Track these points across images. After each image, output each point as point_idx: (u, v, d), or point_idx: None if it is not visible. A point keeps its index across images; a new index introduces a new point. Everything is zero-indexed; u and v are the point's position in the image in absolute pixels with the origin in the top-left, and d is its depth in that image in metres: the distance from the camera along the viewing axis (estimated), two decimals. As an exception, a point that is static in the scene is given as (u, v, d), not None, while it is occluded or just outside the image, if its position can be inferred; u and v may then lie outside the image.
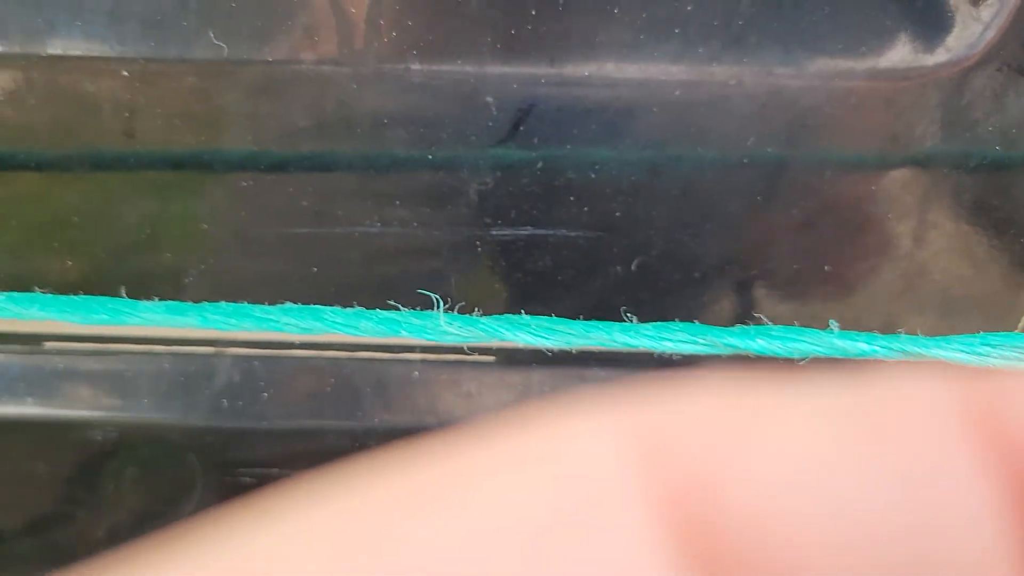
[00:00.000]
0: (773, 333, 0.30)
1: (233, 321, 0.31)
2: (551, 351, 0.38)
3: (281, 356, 0.40)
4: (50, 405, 0.40)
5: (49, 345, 0.40)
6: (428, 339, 0.31)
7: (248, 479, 0.43)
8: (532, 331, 0.31)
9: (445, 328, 0.31)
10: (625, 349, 0.35)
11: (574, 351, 0.39)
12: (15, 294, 0.32)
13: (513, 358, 0.40)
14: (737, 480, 0.09)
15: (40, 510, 0.45)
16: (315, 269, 0.36)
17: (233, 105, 0.32)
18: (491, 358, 0.39)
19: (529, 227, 0.35)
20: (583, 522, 0.09)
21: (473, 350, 0.39)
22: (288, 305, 0.32)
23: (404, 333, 0.31)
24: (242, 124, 0.32)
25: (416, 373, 0.40)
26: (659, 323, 0.31)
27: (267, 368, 0.40)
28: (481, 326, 0.31)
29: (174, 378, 0.40)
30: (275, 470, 0.43)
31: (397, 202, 0.34)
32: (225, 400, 0.40)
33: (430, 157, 0.33)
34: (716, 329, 0.31)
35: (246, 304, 0.32)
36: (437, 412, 0.40)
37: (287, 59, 0.31)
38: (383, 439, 0.41)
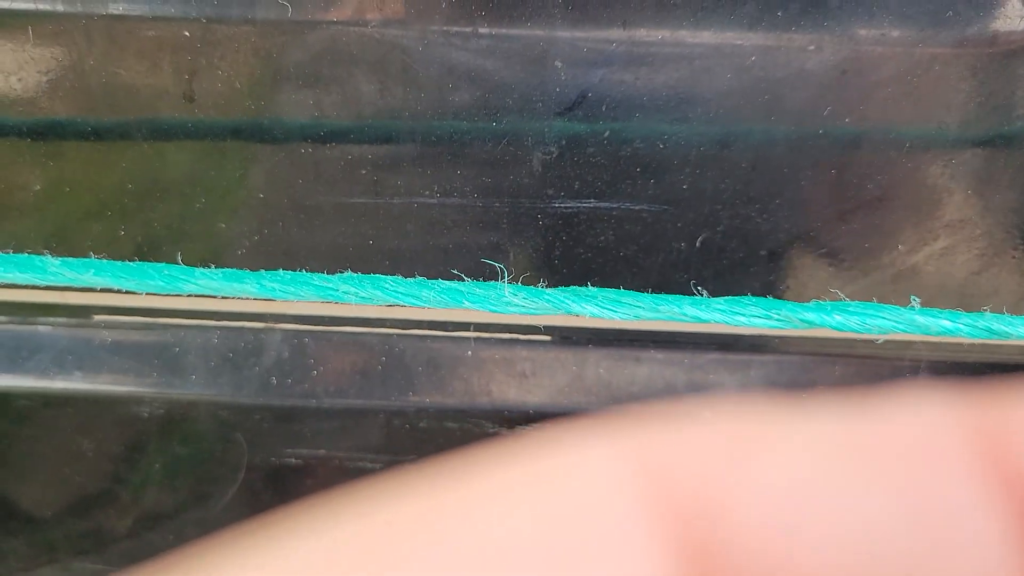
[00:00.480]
0: (851, 309, 0.29)
1: (291, 289, 0.30)
2: (609, 330, 0.37)
3: (331, 333, 0.39)
4: (97, 380, 0.40)
5: (98, 318, 0.39)
6: (491, 310, 0.30)
7: (294, 460, 0.42)
8: (599, 303, 0.30)
9: (509, 299, 0.30)
10: (692, 325, 0.34)
11: (631, 331, 0.38)
12: (70, 259, 0.31)
13: (568, 338, 0.39)
14: (741, 506, 0.09)
15: (82, 488, 0.45)
16: (371, 241, 0.35)
17: (295, 69, 0.31)
18: (546, 337, 0.39)
19: (592, 199, 0.34)
20: (589, 547, 0.09)
21: (528, 328, 0.38)
22: (348, 274, 0.31)
23: (467, 304, 0.30)
24: (303, 89, 0.32)
25: (469, 352, 0.39)
26: (731, 297, 0.30)
27: (317, 345, 0.39)
28: (546, 297, 0.30)
29: (223, 354, 0.39)
30: (321, 451, 0.42)
31: (458, 172, 0.33)
32: (274, 377, 0.39)
33: (494, 125, 0.32)
34: (791, 304, 0.30)
35: (304, 272, 0.31)
36: (490, 392, 0.39)
37: (352, 20, 0.30)
38: (434, 419, 0.40)
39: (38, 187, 0.35)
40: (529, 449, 0.10)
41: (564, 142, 0.32)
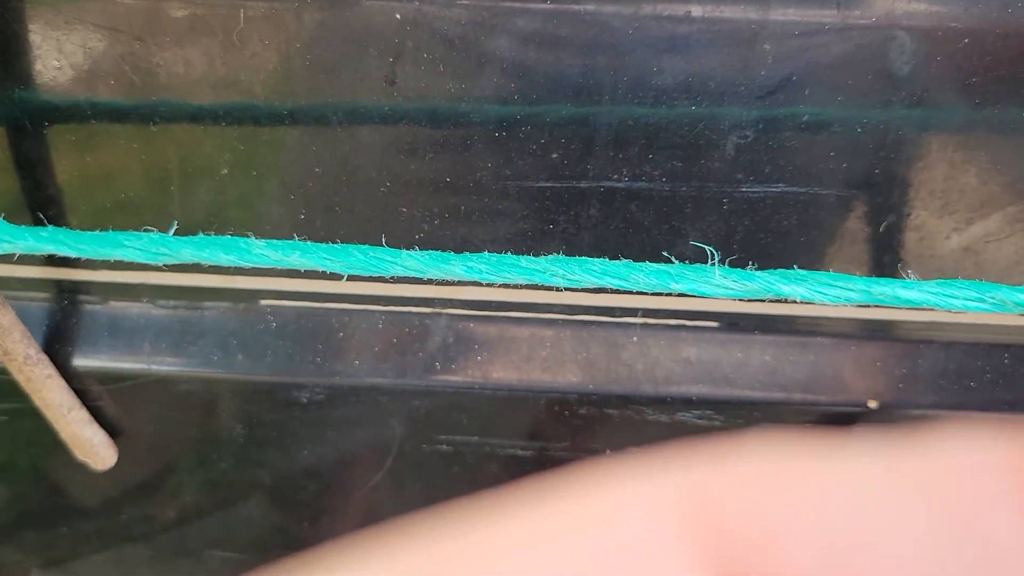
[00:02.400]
0: (1066, 292, 0.29)
1: (498, 272, 0.31)
2: (777, 316, 0.37)
3: (497, 318, 0.39)
4: (260, 364, 0.40)
5: (264, 303, 0.39)
6: (701, 293, 0.30)
7: (445, 447, 0.42)
8: (810, 286, 0.30)
9: (720, 281, 0.30)
10: (858, 311, 0.34)
11: (799, 317, 0.38)
12: (275, 241, 0.31)
13: (735, 324, 0.39)
14: (785, 543, 0.09)
15: (230, 472, 0.45)
16: (550, 225, 0.35)
17: (500, 52, 0.31)
18: (713, 323, 0.39)
19: (781, 184, 0.34)
20: None
21: (695, 314, 0.38)
22: (556, 257, 0.31)
23: (675, 286, 0.30)
24: (505, 72, 0.32)
25: (635, 338, 0.39)
26: (943, 280, 0.30)
27: (482, 331, 0.39)
28: (757, 280, 0.30)
29: (388, 339, 0.39)
30: (474, 438, 0.42)
31: (650, 156, 0.33)
32: (438, 363, 0.39)
33: (693, 109, 0.32)
34: (1007, 288, 0.30)
35: (511, 255, 0.31)
36: (655, 378, 0.39)
37: (566, 1, 0.30)
38: (595, 406, 0.40)
39: (226, 171, 0.35)
40: (579, 487, 0.10)
41: (761, 126, 0.32)
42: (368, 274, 0.31)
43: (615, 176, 0.34)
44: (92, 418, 0.41)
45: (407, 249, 0.32)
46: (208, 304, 0.39)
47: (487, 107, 0.32)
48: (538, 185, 0.34)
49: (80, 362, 0.40)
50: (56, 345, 0.40)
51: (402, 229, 0.35)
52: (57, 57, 0.33)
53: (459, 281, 0.37)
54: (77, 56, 0.33)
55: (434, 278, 0.31)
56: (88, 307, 0.40)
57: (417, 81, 0.32)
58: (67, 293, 0.40)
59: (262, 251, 0.31)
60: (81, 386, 0.41)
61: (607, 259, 0.31)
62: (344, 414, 0.41)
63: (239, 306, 0.39)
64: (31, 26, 0.33)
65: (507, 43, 0.31)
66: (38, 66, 0.33)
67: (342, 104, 0.33)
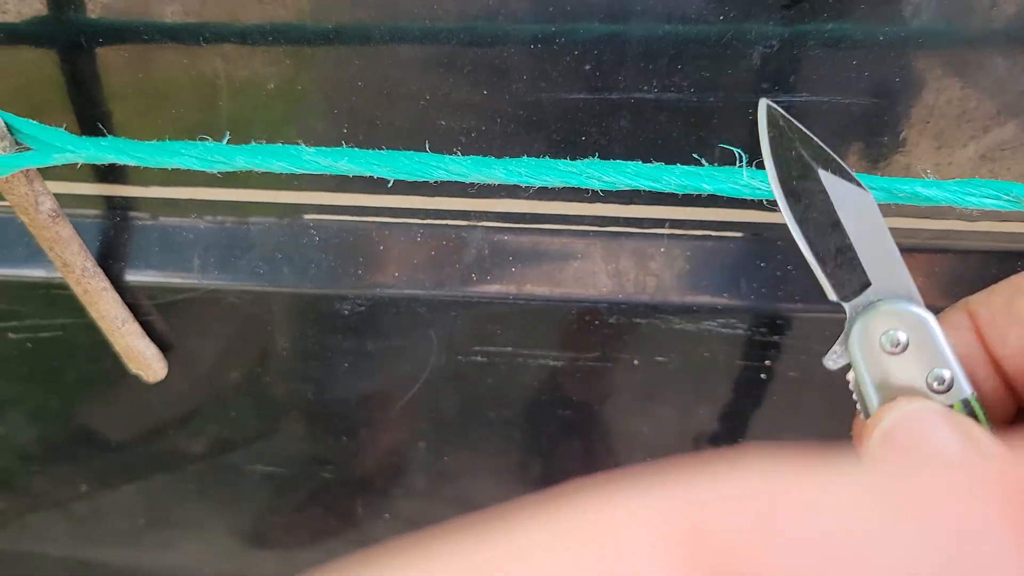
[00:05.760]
0: (1078, 188, 0.31)
1: (537, 174, 0.32)
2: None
3: (531, 230, 0.41)
4: (304, 277, 0.42)
5: (308, 217, 0.41)
6: (730, 193, 0.32)
7: (481, 358, 0.44)
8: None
9: (748, 182, 0.32)
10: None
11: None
12: (324, 148, 0.33)
13: (759, 234, 0.40)
14: (777, 560, 0.09)
15: (272, 386, 0.47)
16: (583, 137, 0.37)
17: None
18: (738, 234, 0.40)
19: (805, 93, 0.35)
20: None
21: (722, 224, 0.40)
22: (592, 160, 0.32)
23: (706, 187, 0.32)
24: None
25: (663, 248, 0.41)
26: (962, 179, 0.31)
27: (516, 243, 0.41)
28: (783, 180, 0.31)
29: (426, 251, 0.41)
30: (508, 348, 0.44)
31: (679, 67, 0.35)
32: (474, 274, 0.41)
33: (721, 19, 0.33)
34: (1021, 185, 0.31)
35: (551, 159, 0.33)
36: (680, 288, 0.41)
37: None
38: (624, 315, 0.42)
39: (272, 86, 0.36)
40: (569, 504, 0.10)
41: (787, 35, 0.34)
42: (413, 178, 0.33)
43: (644, 87, 0.35)
44: (144, 331, 0.43)
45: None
46: (254, 219, 0.41)
47: (523, 24, 0.34)
48: (571, 97, 0.36)
49: (132, 277, 0.42)
50: (109, 260, 0.42)
51: (441, 142, 0.37)
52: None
53: (495, 192, 0.38)
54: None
55: (475, 182, 0.33)
56: (139, 223, 0.42)
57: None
58: (119, 209, 0.41)
59: (312, 157, 0.33)
60: (132, 300, 0.43)
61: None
62: (384, 325, 0.43)
63: (284, 220, 0.41)
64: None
65: (544, -46, 0.32)
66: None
67: (384, 22, 0.34)
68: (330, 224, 0.41)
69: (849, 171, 0.28)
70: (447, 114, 0.37)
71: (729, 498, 0.10)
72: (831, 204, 0.28)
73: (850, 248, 0.28)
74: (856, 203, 0.28)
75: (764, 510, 0.10)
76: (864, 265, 0.28)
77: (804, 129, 0.28)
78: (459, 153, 0.36)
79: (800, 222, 0.28)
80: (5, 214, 0.41)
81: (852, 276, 0.28)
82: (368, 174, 0.33)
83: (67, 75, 0.37)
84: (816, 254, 0.28)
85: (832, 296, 0.29)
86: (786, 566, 0.09)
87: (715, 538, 0.10)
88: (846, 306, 0.29)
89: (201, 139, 0.34)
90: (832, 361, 0.29)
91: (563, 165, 0.32)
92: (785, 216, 0.29)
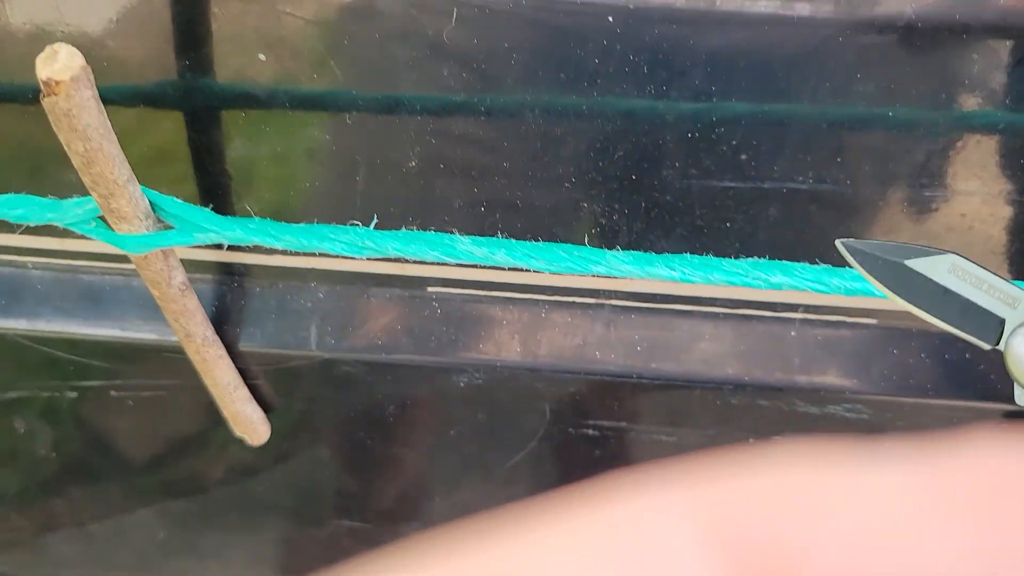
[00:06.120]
0: None
1: (702, 272, 0.31)
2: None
3: (660, 310, 0.40)
4: (423, 349, 0.41)
5: (431, 290, 0.40)
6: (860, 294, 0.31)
7: (592, 432, 0.44)
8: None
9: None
10: None
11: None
12: (479, 238, 0.32)
13: (894, 323, 0.39)
14: (811, 555, 0.09)
15: (376, 450, 0.46)
16: (728, 224, 0.36)
17: (697, 59, 0.32)
18: (872, 320, 0.39)
19: (976, 183, 0.34)
20: None
21: (856, 311, 0.39)
22: (758, 259, 0.32)
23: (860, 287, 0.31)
24: (692, 74, 0.32)
25: (793, 332, 0.40)
26: None
27: (644, 322, 0.40)
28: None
29: (549, 327, 0.40)
30: (622, 424, 0.43)
31: (838, 159, 0.34)
32: (598, 352, 0.40)
33: (890, 114, 0.33)
34: None
35: (711, 256, 0.32)
36: (809, 371, 0.40)
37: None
38: (747, 396, 0.41)
39: (413, 163, 0.36)
40: (602, 498, 0.10)
41: (952, 133, 0.33)
42: (570, 273, 0.32)
43: (800, 177, 0.35)
44: (252, 396, 0.43)
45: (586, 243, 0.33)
46: (375, 290, 0.40)
47: (681, 108, 0.33)
48: (722, 184, 0.35)
49: (246, 343, 0.41)
50: (224, 325, 0.41)
51: (580, 225, 0.36)
52: (259, 50, 0.33)
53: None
54: (279, 48, 0.33)
55: (635, 277, 0.32)
56: (257, 289, 0.41)
57: (616, 83, 0.32)
58: (237, 276, 0.41)
59: (467, 247, 0.32)
60: (243, 365, 0.42)
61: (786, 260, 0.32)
62: (499, 397, 0.42)
63: (406, 293, 0.40)
64: (224, 16, 0.33)
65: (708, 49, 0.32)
66: (237, 59, 0.34)
67: (539, 101, 0.33)
68: (453, 297, 0.40)
69: (925, 248, 0.29)
70: (591, 197, 0.36)
71: (764, 493, 0.10)
72: (930, 279, 0.29)
73: (968, 301, 0.29)
74: (950, 266, 0.29)
75: (800, 505, 0.10)
76: (988, 308, 0.28)
77: (876, 241, 0.29)
78: (594, 236, 0.36)
79: (919, 307, 0.29)
80: (120, 276, 0.40)
81: (986, 321, 0.29)
82: (524, 267, 0.32)
83: (206, 144, 0.36)
84: (946, 321, 0.30)
85: (984, 346, 0.29)
86: (823, 562, 0.09)
87: (750, 532, 0.10)
88: (1000, 348, 0.29)
89: (351, 223, 0.33)
90: (1022, 399, 0.30)
91: (728, 264, 0.31)
92: (906, 308, 0.29)
